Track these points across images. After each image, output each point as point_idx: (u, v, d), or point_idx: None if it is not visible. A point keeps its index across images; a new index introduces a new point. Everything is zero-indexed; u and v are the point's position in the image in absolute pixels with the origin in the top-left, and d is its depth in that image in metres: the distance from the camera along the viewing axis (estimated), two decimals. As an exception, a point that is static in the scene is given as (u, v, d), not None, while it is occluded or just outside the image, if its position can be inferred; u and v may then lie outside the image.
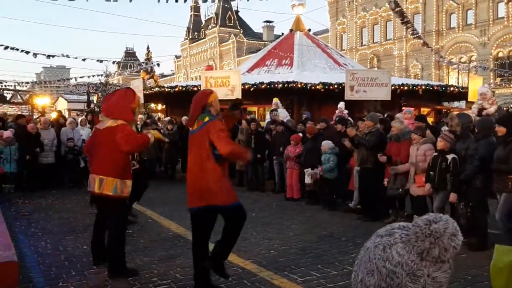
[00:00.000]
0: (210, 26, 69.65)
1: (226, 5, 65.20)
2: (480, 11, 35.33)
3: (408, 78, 30.64)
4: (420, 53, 36.33)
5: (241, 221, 4.15)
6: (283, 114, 11.27)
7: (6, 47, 19.33)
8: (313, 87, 13.69)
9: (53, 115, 17.92)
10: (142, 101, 13.67)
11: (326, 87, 13.56)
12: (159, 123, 14.32)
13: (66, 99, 35.79)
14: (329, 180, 8.27)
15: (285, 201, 9.07)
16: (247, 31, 69.02)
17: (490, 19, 34.65)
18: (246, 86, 13.41)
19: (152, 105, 25.24)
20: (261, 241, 6.02)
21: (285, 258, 5.27)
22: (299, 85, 13.61)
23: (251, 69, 18.70)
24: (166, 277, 4.59)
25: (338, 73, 16.27)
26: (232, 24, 67.29)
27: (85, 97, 29.85)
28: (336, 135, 8.65)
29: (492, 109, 8.76)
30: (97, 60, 23.87)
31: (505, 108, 13.91)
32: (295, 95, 14.08)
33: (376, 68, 38.79)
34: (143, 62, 36.52)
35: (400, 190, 6.83)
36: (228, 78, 12.71)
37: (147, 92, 17.08)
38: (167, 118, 14.52)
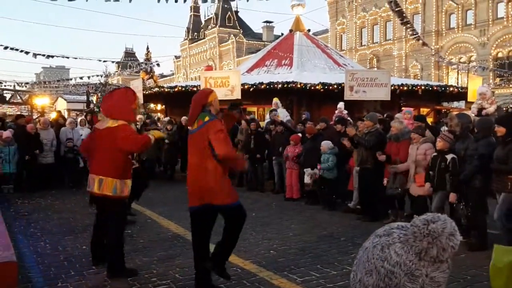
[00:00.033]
0: (209, 27, 69.66)
1: (225, 6, 65.21)
2: (480, 11, 35.35)
3: (408, 78, 30.65)
4: (420, 53, 36.34)
5: (241, 221, 4.15)
6: (282, 114, 11.27)
7: (6, 47, 19.34)
8: (312, 87, 13.69)
9: (53, 115, 17.91)
10: (141, 101, 13.68)
11: (326, 87, 13.56)
12: (158, 123, 14.31)
13: (65, 99, 35.79)
14: (328, 180, 8.27)
15: (285, 201, 9.07)
16: (247, 31, 69.03)
17: (490, 19, 34.67)
18: (246, 86, 13.41)
19: (152, 105, 25.24)
20: (260, 241, 6.02)
21: (285, 258, 5.27)
22: (299, 85, 13.62)
23: (250, 69, 18.71)
24: (166, 277, 4.59)
25: (337, 73, 16.27)
26: (231, 25, 67.31)
27: (84, 97, 29.85)
28: (336, 135, 8.65)
29: (491, 109, 8.77)
30: (98, 60, 23.90)
31: (504, 108, 13.91)
32: (294, 95, 14.08)
33: (375, 68, 38.82)
34: (142, 62, 36.50)
35: (399, 189, 6.84)
36: (227, 78, 12.72)
37: (147, 92, 17.08)
38: (167, 118, 14.52)
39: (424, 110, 15.85)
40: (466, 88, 14.72)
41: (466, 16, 36.59)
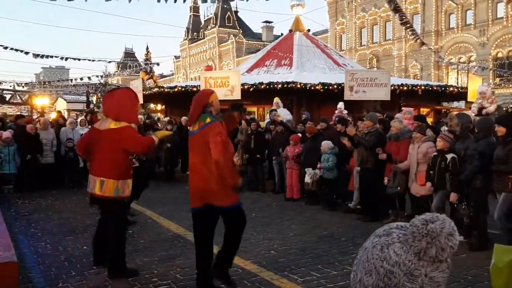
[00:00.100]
0: (209, 27, 69.64)
1: (225, 6, 65.18)
2: (479, 11, 35.35)
3: (408, 78, 30.65)
4: (420, 53, 36.33)
5: (241, 224, 4.17)
6: (283, 113, 11.28)
7: (6, 47, 19.34)
8: (312, 88, 13.70)
9: (53, 116, 17.92)
10: (141, 101, 13.66)
11: (326, 87, 13.57)
12: (158, 124, 14.31)
13: (65, 100, 35.75)
14: (328, 180, 8.27)
15: (285, 201, 9.07)
16: (247, 31, 69.03)
17: (489, 19, 34.67)
18: (246, 87, 13.42)
19: (152, 105, 25.26)
20: (261, 241, 6.02)
21: (285, 258, 5.28)
22: (299, 86, 13.63)
23: (250, 70, 18.71)
24: (166, 278, 4.59)
25: (337, 73, 16.29)
26: (231, 25, 67.30)
27: (84, 98, 29.84)
28: (336, 135, 8.65)
29: (492, 108, 8.78)
30: (97, 60, 23.92)
31: (504, 108, 13.92)
32: (294, 95, 14.09)
33: (375, 68, 38.82)
34: (142, 62, 36.51)
35: (399, 188, 6.84)
36: (227, 78, 12.71)
37: (147, 92, 17.09)
38: (167, 119, 14.53)
39: (424, 110, 15.86)
40: (466, 88, 14.72)
41: (465, 16, 36.59)
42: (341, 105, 11.27)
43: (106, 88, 25.95)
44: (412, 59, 39.76)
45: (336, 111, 11.12)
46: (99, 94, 26.85)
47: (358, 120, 9.11)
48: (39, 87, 40.89)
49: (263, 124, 11.97)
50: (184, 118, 12.01)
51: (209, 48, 69.69)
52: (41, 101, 29.10)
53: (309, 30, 21.15)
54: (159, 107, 24.08)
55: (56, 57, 22.46)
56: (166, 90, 16.71)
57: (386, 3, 18.77)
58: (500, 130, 5.47)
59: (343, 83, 12.29)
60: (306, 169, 8.57)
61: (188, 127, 4.28)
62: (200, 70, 34.96)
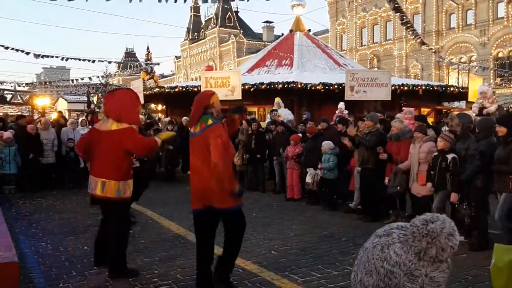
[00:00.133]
0: (210, 27, 69.65)
1: (226, 6, 65.15)
2: (480, 11, 35.34)
3: (408, 78, 30.65)
4: (420, 53, 36.33)
5: (240, 226, 4.17)
6: (285, 113, 11.28)
7: (7, 48, 19.36)
8: (313, 88, 13.70)
9: (54, 116, 17.94)
10: (142, 102, 13.67)
11: (326, 87, 13.57)
12: (159, 124, 14.33)
13: (66, 100, 35.78)
14: (329, 180, 8.28)
15: (286, 202, 9.07)
16: (247, 31, 69.03)
17: (490, 19, 34.66)
18: (246, 87, 13.41)
19: (152, 105, 25.29)
20: (261, 241, 6.02)
21: (286, 258, 5.28)
22: (299, 86, 13.62)
23: (251, 70, 18.71)
24: (167, 278, 4.59)
25: (338, 73, 16.27)
26: (232, 25, 67.30)
27: (85, 98, 29.87)
28: (337, 135, 8.65)
29: (492, 108, 8.77)
30: (99, 61, 23.94)
31: (505, 108, 13.91)
32: (295, 95, 14.09)
33: (376, 68, 38.80)
34: (143, 62, 36.54)
35: (399, 188, 6.84)
36: (228, 78, 12.71)
37: (147, 92, 17.08)
38: (167, 119, 14.54)
39: (424, 110, 15.84)
40: (467, 88, 14.72)
41: (466, 16, 36.59)
42: (341, 105, 11.26)
43: (107, 88, 26.00)
44: (412, 59, 39.76)
45: (337, 111, 11.11)
46: (100, 94, 26.90)
47: (358, 120, 9.10)
48: (40, 87, 40.95)
49: (263, 124, 11.98)
50: (185, 118, 12.01)
51: (210, 48, 69.71)
52: (42, 101, 29.11)
53: (309, 30, 21.13)
54: (159, 107, 24.11)
55: (57, 57, 22.54)
56: (166, 90, 16.71)
57: (386, 3, 18.77)
58: (501, 130, 5.47)
59: (343, 83, 12.28)
60: (307, 169, 8.57)
61: (189, 128, 4.28)
62: (201, 70, 34.99)
